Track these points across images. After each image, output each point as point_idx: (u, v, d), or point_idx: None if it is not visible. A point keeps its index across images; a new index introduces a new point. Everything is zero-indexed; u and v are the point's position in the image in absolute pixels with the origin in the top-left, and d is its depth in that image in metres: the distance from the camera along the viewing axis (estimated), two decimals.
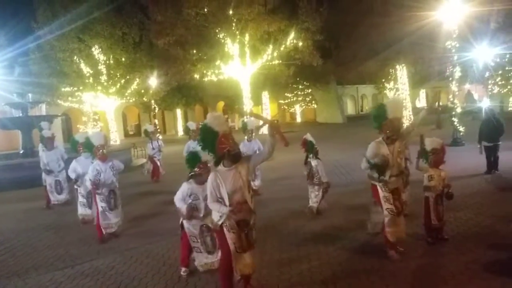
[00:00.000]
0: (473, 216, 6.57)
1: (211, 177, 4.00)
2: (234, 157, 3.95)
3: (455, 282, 4.37)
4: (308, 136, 7.34)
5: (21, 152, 15.91)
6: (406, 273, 4.66)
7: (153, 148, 12.08)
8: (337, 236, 6.06)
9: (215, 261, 4.93)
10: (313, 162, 7.25)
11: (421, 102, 42.64)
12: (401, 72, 26.21)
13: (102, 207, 6.72)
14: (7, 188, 12.03)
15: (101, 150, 6.75)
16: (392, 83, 33.56)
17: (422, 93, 44.55)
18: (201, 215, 4.94)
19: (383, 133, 5.01)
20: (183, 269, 5.11)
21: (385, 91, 38.34)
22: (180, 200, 4.98)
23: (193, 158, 4.95)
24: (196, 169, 4.90)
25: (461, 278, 4.44)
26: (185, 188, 4.99)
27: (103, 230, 6.77)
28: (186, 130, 10.80)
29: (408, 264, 4.89)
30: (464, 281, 4.38)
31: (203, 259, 5.02)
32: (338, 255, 5.32)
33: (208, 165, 4.87)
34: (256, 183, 9.23)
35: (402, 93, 26.49)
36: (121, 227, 7.07)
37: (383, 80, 35.23)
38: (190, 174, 4.98)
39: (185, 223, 5.01)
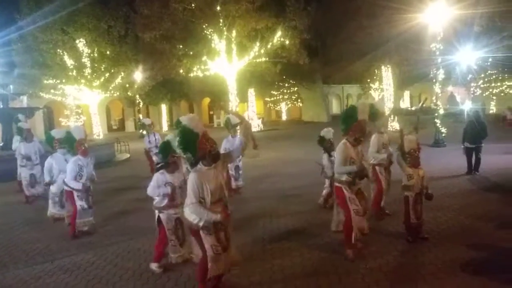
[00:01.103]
0: (453, 215, 6.69)
1: (193, 178, 3.93)
2: (215, 157, 3.98)
3: (434, 280, 4.44)
4: (323, 131, 7.39)
5: (1, 144, 15.59)
6: (386, 271, 4.72)
7: (150, 142, 11.80)
8: (318, 234, 6.10)
9: (185, 252, 5.09)
10: (323, 157, 7.33)
11: (405, 103, 43.18)
12: (387, 73, 26.48)
13: (80, 205, 6.61)
14: None
15: (83, 144, 6.64)
16: (377, 83, 33.90)
17: (407, 94, 45.11)
18: (178, 202, 5.03)
19: (352, 135, 5.08)
20: (156, 264, 5.11)
21: (370, 91, 38.70)
22: (155, 188, 5.05)
23: (166, 148, 5.01)
24: (170, 157, 4.99)
25: (440, 276, 4.52)
26: (159, 178, 5.06)
27: (78, 228, 6.67)
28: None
29: (388, 262, 4.96)
30: (443, 279, 4.45)
31: (176, 251, 5.13)
32: (320, 252, 5.36)
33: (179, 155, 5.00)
34: (238, 183, 9.22)
35: (387, 93, 26.78)
36: (104, 223, 7.00)
37: (369, 80, 35.54)
38: (160, 165, 5.10)
39: (162, 216, 5.07)
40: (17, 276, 5.18)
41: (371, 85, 36.46)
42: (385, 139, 6.71)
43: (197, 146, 3.90)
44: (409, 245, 5.46)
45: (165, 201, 5.05)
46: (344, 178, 5.16)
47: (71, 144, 6.75)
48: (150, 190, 5.09)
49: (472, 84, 32.18)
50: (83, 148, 6.61)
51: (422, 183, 5.54)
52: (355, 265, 4.90)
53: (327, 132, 7.39)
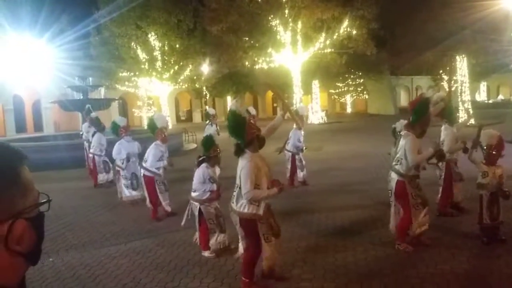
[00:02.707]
0: None
1: (250, 165, 3.96)
2: (262, 141, 4.09)
3: (511, 286, 4.17)
4: (398, 123, 7.25)
5: (81, 132, 16.77)
6: (458, 273, 4.49)
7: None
8: (384, 230, 5.87)
9: (227, 239, 5.25)
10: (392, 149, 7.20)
11: (481, 95, 40.45)
12: (461, 64, 24.91)
13: (160, 188, 7.05)
14: (70, 167, 12.80)
15: (163, 132, 7.02)
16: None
17: (483, 86, 42.21)
18: (219, 195, 5.30)
19: (419, 128, 5.02)
20: (208, 252, 5.30)
21: (442, 83, 36.70)
22: (201, 182, 5.22)
23: (209, 141, 5.23)
24: (212, 151, 5.19)
25: None
26: (205, 171, 5.23)
27: (167, 208, 7.14)
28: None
29: (460, 263, 4.71)
30: None
31: (219, 239, 5.26)
32: (385, 249, 5.21)
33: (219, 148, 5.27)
34: (301, 174, 9.24)
35: (461, 85, 25.23)
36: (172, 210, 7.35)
37: (441, 71, 33.69)
38: (202, 158, 5.25)
39: (202, 207, 5.25)
40: (94, 256, 5.56)
41: (443, 76, 34.55)
42: (457, 132, 6.48)
43: (245, 131, 3.99)
44: (484, 247, 5.14)
45: (207, 195, 5.22)
46: (412, 172, 5.04)
47: (153, 130, 7.10)
48: (196, 185, 5.25)
49: None
50: (163, 135, 6.99)
51: (499, 182, 5.17)
52: (424, 265, 4.70)
53: (399, 125, 7.17)
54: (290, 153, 9.13)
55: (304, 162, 9.28)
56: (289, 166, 9.18)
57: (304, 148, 9.28)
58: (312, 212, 7.17)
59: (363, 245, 5.42)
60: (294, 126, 9.13)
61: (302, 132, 9.20)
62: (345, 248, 5.37)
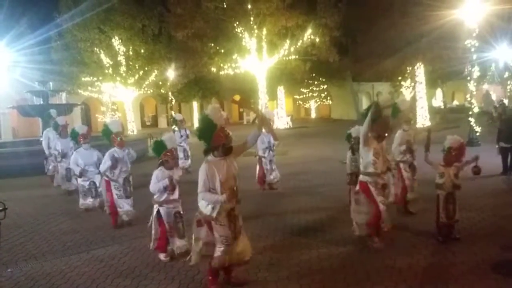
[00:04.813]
0: (486, 216, 6.54)
1: (205, 167, 4.12)
2: (227, 150, 4.16)
3: (465, 282, 4.37)
4: (353, 129, 7.38)
5: (41, 139, 16.21)
6: (415, 270, 4.68)
7: (181, 136, 12.02)
8: (346, 230, 6.03)
9: (186, 244, 5.26)
10: (347, 153, 7.34)
11: (438, 101, 42.08)
12: (419, 71, 25.90)
13: (117, 194, 6.87)
14: (29, 174, 12.39)
15: (119, 137, 6.89)
16: (409, 81, 33.21)
17: (439, 92, 43.92)
18: (177, 196, 5.35)
19: (375, 131, 5.15)
20: (163, 254, 5.34)
21: (401, 90, 37.91)
22: (155, 183, 5.28)
23: (159, 146, 5.32)
24: (162, 156, 5.27)
25: (471, 277, 4.44)
26: (158, 174, 5.30)
27: (120, 216, 6.95)
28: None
29: (417, 261, 4.91)
30: (474, 281, 4.38)
31: (176, 243, 5.30)
32: (347, 249, 5.36)
33: (174, 152, 5.36)
34: (272, 177, 9.31)
35: (419, 91, 26.21)
36: (136, 215, 7.23)
37: (400, 78, 34.82)
38: (159, 162, 5.35)
39: (161, 209, 5.29)
40: (55, 266, 5.41)
41: (402, 83, 35.71)
42: (409, 136, 6.71)
43: (212, 137, 4.08)
44: (440, 245, 5.39)
45: (165, 195, 5.27)
46: (370, 170, 5.19)
47: (108, 136, 6.99)
48: (151, 187, 5.31)
49: (509, 82, 30.95)
50: (119, 140, 6.87)
51: (454, 179, 5.43)
52: (384, 262, 4.88)
53: (355, 130, 7.36)
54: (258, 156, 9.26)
55: (274, 166, 9.36)
56: (257, 169, 9.29)
57: (272, 146, 9.16)
58: (278, 214, 7.29)
59: (326, 245, 5.56)
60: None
61: (268, 135, 9.03)
62: (309, 248, 5.50)
